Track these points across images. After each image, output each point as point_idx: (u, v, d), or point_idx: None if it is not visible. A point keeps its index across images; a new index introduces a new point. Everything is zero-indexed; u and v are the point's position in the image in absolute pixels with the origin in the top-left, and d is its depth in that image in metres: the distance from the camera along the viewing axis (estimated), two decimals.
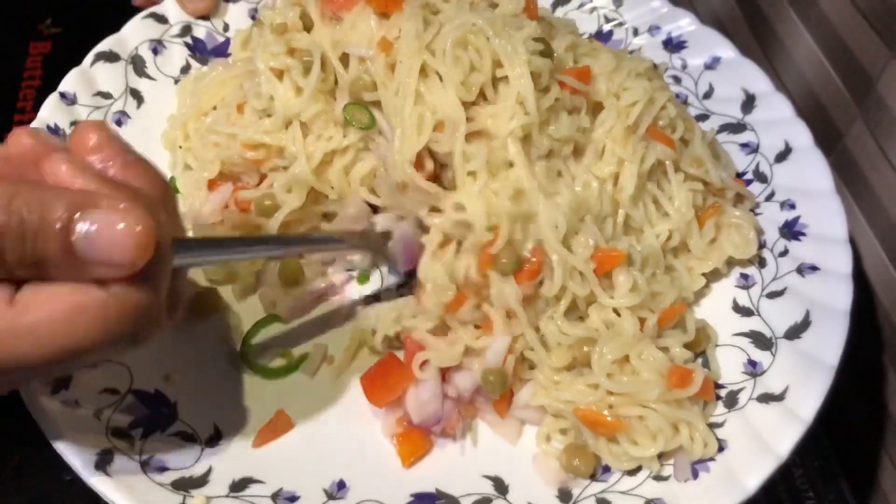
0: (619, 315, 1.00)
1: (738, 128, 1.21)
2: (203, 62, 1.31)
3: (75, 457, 0.89)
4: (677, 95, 1.26)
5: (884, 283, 1.16)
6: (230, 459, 0.96)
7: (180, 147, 1.18)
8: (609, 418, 0.93)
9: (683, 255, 1.09)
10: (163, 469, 0.92)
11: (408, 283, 1.11)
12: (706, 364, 1.03)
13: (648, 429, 0.93)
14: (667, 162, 1.08)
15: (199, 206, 1.13)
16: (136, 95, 1.25)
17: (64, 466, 0.90)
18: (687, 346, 1.01)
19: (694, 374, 0.95)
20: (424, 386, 0.98)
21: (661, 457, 0.94)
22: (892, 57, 1.09)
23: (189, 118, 1.17)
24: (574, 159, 1.05)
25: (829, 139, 1.24)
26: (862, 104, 1.16)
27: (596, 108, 1.08)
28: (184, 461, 0.94)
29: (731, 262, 1.10)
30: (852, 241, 1.06)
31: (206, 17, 1.34)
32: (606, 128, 1.06)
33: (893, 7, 1.07)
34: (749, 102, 1.22)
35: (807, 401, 0.94)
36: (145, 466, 0.92)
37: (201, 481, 0.93)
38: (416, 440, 0.98)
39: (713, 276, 1.10)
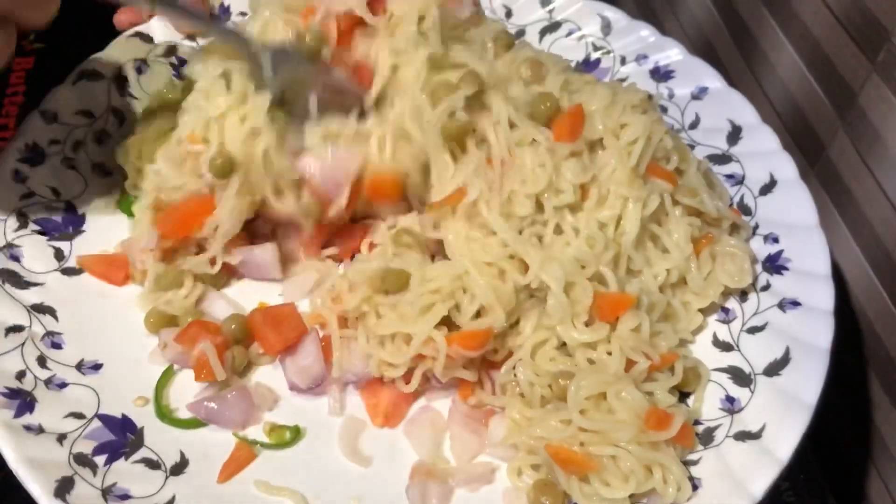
0: (609, 354, 0.98)
1: (723, 159, 1.20)
2: None
3: (34, 483, 0.87)
4: None
5: (867, 294, 1.15)
6: (195, 488, 0.94)
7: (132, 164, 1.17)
8: (580, 455, 0.91)
9: (680, 290, 1.07)
10: (125, 497, 0.91)
11: None
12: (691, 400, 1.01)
13: (620, 469, 0.91)
14: (664, 195, 1.07)
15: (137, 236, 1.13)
16: (118, 114, 1.24)
17: None
18: (675, 386, 0.99)
19: (673, 418, 0.93)
20: (303, 350, 1.00)
21: (633, 496, 0.92)
22: (874, 70, 1.08)
23: (148, 138, 1.17)
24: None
25: (812, 151, 1.24)
26: (844, 116, 1.16)
27: (593, 146, 1.07)
28: (147, 489, 0.92)
29: (724, 293, 1.08)
30: (835, 264, 1.05)
31: (192, 37, 1.33)
32: (609, 171, 1.05)
33: (874, 21, 1.07)
34: (735, 134, 1.21)
35: (784, 440, 0.92)
36: (107, 494, 0.90)
37: None
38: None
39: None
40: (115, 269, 1.12)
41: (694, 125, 1.25)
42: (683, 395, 1.01)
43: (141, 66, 1.28)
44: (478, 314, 0.99)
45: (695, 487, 0.92)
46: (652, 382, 0.98)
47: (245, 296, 1.13)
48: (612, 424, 0.92)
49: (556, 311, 0.98)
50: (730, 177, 1.18)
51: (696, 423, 0.98)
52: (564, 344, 1.00)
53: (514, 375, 1.00)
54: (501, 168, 1.03)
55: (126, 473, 0.93)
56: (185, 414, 1.01)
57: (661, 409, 0.93)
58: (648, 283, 1.04)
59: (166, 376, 1.04)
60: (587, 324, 0.99)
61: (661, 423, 0.92)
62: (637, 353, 0.98)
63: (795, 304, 1.04)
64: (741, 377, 1.01)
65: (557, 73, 1.13)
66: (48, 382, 0.99)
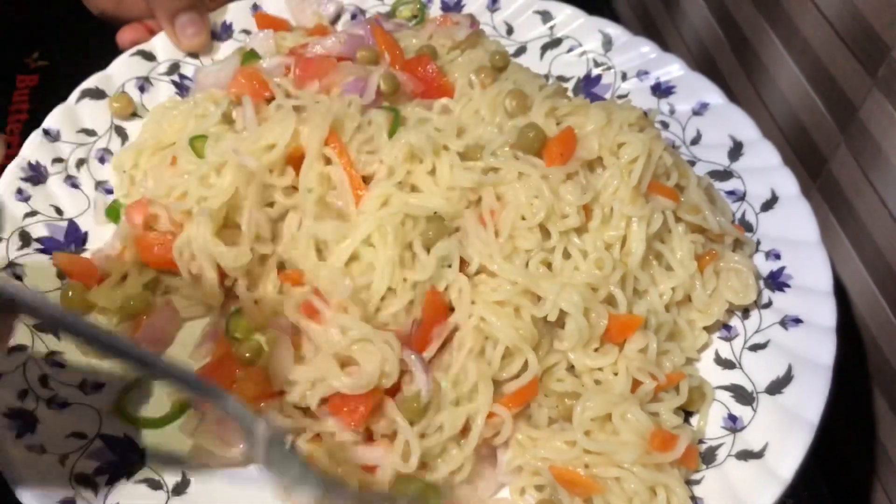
0: (616, 374, 0.98)
1: (724, 175, 1.20)
2: None
3: None
4: None
5: (870, 308, 1.14)
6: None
7: (124, 171, 1.18)
8: (584, 477, 0.91)
9: (685, 309, 1.07)
10: None
11: None
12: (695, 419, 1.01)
13: (624, 491, 0.91)
14: (667, 212, 1.07)
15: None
16: (121, 132, 1.25)
17: None
18: (680, 406, 0.99)
19: (678, 439, 0.92)
20: None
21: None
22: (874, 85, 1.08)
23: (146, 149, 1.18)
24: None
25: (814, 165, 1.23)
26: (846, 130, 1.16)
27: (591, 166, 1.07)
28: None
29: (728, 310, 1.08)
30: (838, 278, 1.04)
31: (194, 55, 1.34)
32: (611, 190, 1.05)
33: (875, 36, 1.07)
34: (736, 149, 1.21)
35: (786, 459, 0.92)
36: None
37: None
38: None
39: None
40: (87, 272, 1.11)
41: (695, 141, 1.25)
42: (687, 414, 1.01)
43: (143, 84, 1.29)
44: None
45: None
46: (657, 403, 0.98)
47: None
48: (616, 446, 0.92)
49: (574, 336, 0.98)
50: (731, 193, 1.18)
51: (699, 441, 0.98)
52: (573, 365, 1.00)
53: None
54: (493, 217, 1.02)
55: (128, 494, 0.93)
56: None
57: (666, 431, 0.93)
58: (654, 303, 1.04)
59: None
60: (597, 349, 0.99)
61: (665, 444, 0.91)
62: (643, 373, 0.97)
63: (797, 321, 1.03)
64: (743, 395, 1.00)
65: (544, 99, 1.13)
66: (50, 402, 0.99)
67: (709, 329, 1.07)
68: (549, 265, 1.02)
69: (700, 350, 1.07)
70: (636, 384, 0.98)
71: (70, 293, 1.08)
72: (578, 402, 0.95)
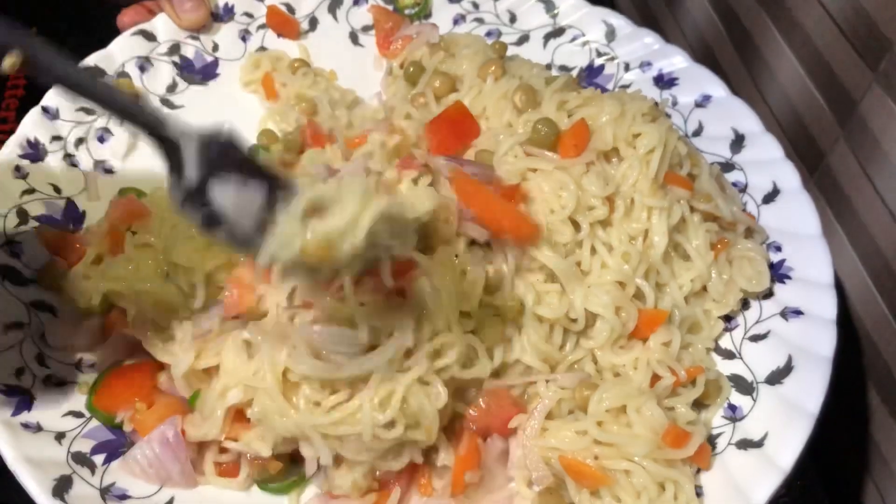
0: (636, 368, 0.98)
1: (726, 167, 1.20)
2: (190, 81, 1.30)
3: (32, 482, 0.87)
4: None
5: (865, 303, 1.15)
6: (194, 489, 0.94)
7: None
8: (593, 468, 0.90)
9: (700, 299, 1.07)
10: (123, 497, 0.90)
11: None
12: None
13: (633, 485, 0.90)
14: (682, 202, 1.06)
15: None
16: None
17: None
18: (697, 400, 0.99)
19: (691, 437, 0.92)
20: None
21: None
22: (875, 79, 1.09)
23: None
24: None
25: (812, 159, 1.24)
26: (845, 125, 1.16)
27: (607, 157, 1.07)
28: (146, 489, 0.92)
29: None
30: (834, 273, 1.05)
31: (195, 37, 1.33)
32: (631, 181, 1.05)
33: (876, 30, 1.07)
34: (738, 142, 1.21)
35: (786, 449, 0.92)
36: (105, 494, 0.90)
37: None
38: None
39: None
40: (72, 248, 1.09)
41: (697, 133, 1.25)
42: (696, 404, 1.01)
43: (143, 63, 1.28)
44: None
45: (698, 496, 0.92)
46: (674, 397, 0.98)
47: None
48: (627, 438, 0.91)
49: (603, 335, 0.98)
50: (733, 185, 1.18)
51: None
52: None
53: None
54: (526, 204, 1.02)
55: (125, 473, 0.93)
56: None
57: (680, 428, 0.92)
58: (676, 296, 1.04)
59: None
60: (622, 346, 1.00)
61: (678, 441, 0.91)
62: (663, 367, 0.97)
63: (798, 312, 1.04)
64: (743, 385, 1.01)
65: (553, 93, 1.13)
66: (47, 380, 0.98)
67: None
68: (578, 265, 1.01)
69: (715, 339, 1.07)
70: (655, 378, 0.98)
71: (43, 275, 1.06)
72: (595, 392, 0.95)
